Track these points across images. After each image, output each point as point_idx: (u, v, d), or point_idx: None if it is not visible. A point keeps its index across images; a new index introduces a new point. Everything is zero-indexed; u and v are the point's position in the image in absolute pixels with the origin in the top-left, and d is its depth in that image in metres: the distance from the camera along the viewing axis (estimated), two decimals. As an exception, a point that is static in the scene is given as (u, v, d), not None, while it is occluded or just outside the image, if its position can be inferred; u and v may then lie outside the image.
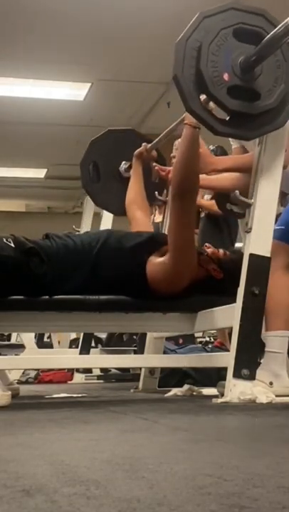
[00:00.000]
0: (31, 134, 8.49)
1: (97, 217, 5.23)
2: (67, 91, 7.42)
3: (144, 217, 3.00)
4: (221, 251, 2.72)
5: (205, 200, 4.80)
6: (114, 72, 6.83)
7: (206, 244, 2.80)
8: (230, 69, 2.05)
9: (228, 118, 2.13)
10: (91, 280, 2.54)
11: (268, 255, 2.24)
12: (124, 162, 3.33)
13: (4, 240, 2.48)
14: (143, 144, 3.14)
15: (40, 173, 10.47)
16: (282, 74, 2.12)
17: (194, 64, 2.04)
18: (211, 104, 2.13)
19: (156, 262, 2.54)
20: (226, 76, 2.04)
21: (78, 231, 5.78)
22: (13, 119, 7.94)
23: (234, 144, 2.97)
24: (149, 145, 3.12)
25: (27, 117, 7.92)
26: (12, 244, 2.48)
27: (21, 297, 2.51)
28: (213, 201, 4.52)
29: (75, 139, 8.73)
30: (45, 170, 10.33)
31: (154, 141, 3.12)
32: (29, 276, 2.47)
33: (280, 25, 1.97)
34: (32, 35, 6.03)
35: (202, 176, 2.76)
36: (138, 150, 3.13)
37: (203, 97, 2.09)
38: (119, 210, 3.26)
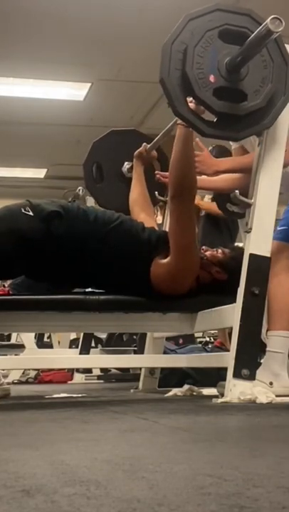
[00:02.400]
0: (31, 134, 8.49)
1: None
2: (67, 91, 7.42)
3: (148, 218, 3.00)
4: (220, 250, 2.71)
5: (205, 201, 4.81)
6: (114, 72, 6.83)
7: (203, 247, 2.79)
8: (216, 70, 2.04)
9: (215, 120, 2.12)
10: (96, 257, 2.52)
11: (268, 255, 2.24)
12: (126, 163, 3.33)
13: (22, 210, 2.47)
14: (143, 144, 3.14)
15: (40, 173, 10.46)
16: (269, 74, 2.11)
17: (180, 67, 2.03)
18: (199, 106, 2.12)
19: (160, 263, 2.53)
20: (211, 78, 2.03)
21: None
22: (13, 119, 7.94)
23: (234, 144, 2.97)
24: (149, 145, 3.12)
25: (27, 117, 7.92)
26: (31, 213, 2.47)
27: (21, 297, 2.51)
28: (213, 202, 4.53)
29: (75, 139, 8.73)
30: (45, 170, 10.33)
31: (153, 142, 3.12)
32: (49, 240, 2.44)
33: (262, 25, 1.95)
34: (32, 36, 6.03)
35: (202, 177, 2.76)
36: (138, 150, 3.13)
37: (191, 99, 2.09)
38: (123, 211, 3.26)
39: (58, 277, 2.59)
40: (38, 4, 5.49)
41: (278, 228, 2.46)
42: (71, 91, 7.42)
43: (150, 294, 2.55)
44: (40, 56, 6.43)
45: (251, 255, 2.22)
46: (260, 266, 2.23)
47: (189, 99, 2.09)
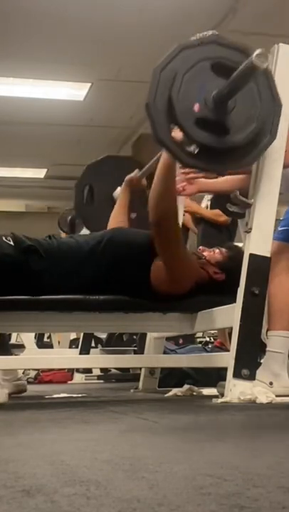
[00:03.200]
0: (31, 134, 8.49)
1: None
2: (67, 91, 7.42)
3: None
4: (217, 250, 2.71)
5: (203, 206, 4.81)
6: (114, 72, 6.84)
7: (200, 247, 2.79)
8: (202, 100, 2.00)
9: (196, 151, 2.06)
10: (93, 279, 2.54)
11: (268, 255, 2.24)
12: (118, 188, 3.29)
13: (3, 239, 2.50)
14: (135, 170, 3.12)
15: (40, 173, 10.46)
16: (256, 113, 2.06)
17: (167, 94, 1.99)
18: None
19: (159, 265, 2.53)
20: (196, 107, 1.99)
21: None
22: (13, 119, 7.94)
23: None
24: (140, 173, 3.10)
25: (27, 117, 7.92)
26: (11, 243, 2.49)
27: (21, 297, 2.51)
28: (215, 211, 4.54)
29: (75, 139, 8.74)
30: (45, 170, 10.33)
31: (143, 169, 3.07)
32: (28, 274, 2.47)
33: (246, 60, 1.90)
34: (32, 36, 6.03)
35: (202, 181, 2.76)
36: (129, 176, 3.09)
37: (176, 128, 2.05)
38: None
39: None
40: (38, 4, 5.49)
41: (279, 229, 2.46)
42: (71, 91, 7.42)
43: (151, 295, 2.55)
44: (40, 56, 6.43)
45: (251, 255, 2.22)
46: (260, 266, 2.23)
47: (174, 128, 2.05)
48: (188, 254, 2.64)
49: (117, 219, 3.01)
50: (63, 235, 6.11)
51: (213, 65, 2.03)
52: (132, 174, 3.09)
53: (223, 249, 2.72)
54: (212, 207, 4.71)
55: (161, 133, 1.99)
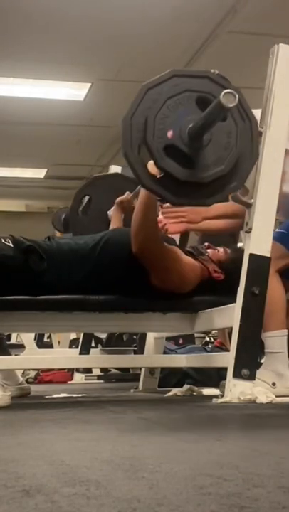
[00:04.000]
0: (31, 134, 8.49)
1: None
2: (67, 91, 7.42)
3: None
4: (221, 250, 2.72)
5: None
6: (114, 72, 6.83)
7: (205, 243, 2.79)
8: (177, 129, 1.96)
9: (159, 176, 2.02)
10: (92, 278, 2.54)
11: (268, 255, 2.24)
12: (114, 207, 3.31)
13: (2, 241, 2.50)
14: (126, 192, 3.12)
15: (40, 173, 10.46)
16: (227, 157, 2.01)
17: (146, 114, 1.96)
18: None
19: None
20: (170, 133, 1.95)
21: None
22: (13, 119, 7.93)
23: None
24: (130, 195, 3.08)
25: (27, 117, 7.92)
26: (11, 244, 2.49)
27: (21, 297, 2.51)
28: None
29: (75, 139, 8.73)
30: (45, 170, 10.33)
31: (134, 192, 3.04)
32: (29, 274, 2.48)
33: (214, 101, 1.85)
34: (32, 35, 6.03)
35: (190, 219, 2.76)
36: (120, 198, 3.10)
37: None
38: None
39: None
40: (38, 4, 5.49)
41: (277, 230, 2.46)
42: (71, 91, 7.42)
43: (151, 294, 2.56)
44: (40, 56, 6.42)
45: (251, 255, 2.23)
46: (260, 266, 2.23)
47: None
48: (183, 262, 2.61)
49: None
50: (58, 234, 6.12)
51: (199, 98, 1.99)
52: (123, 196, 3.10)
53: (228, 250, 2.73)
54: None
55: (129, 150, 1.96)
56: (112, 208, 3.29)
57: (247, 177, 2.10)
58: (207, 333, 6.09)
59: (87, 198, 3.45)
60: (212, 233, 3.33)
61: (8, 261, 2.45)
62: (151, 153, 1.96)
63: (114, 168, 5.40)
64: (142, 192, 2.38)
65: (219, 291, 2.56)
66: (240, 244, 3.83)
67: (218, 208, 2.70)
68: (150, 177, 1.99)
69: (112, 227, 3.09)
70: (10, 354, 3.48)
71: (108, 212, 3.34)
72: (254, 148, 2.07)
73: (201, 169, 1.99)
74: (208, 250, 2.71)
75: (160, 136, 1.96)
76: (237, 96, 1.80)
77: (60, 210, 6.39)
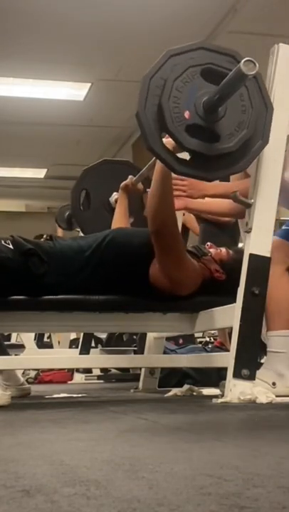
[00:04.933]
0: (31, 134, 8.49)
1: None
2: (67, 91, 7.42)
3: None
4: (224, 250, 2.72)
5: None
6: (114, 72, 6.84)
7: (208, 243, 2.79)
8: (192, 107, 1.99)
9: (188, 158, 2.06)
10: (94, 280, 2.54)
11: (268, 255, 2.24)
12: (115, 193, 3.29)
13: (2, 242, 2.50)
14: (129, 176, 3.11)
15: (40, 173, 10.47)
16: (247, 119, 2.06)
17: (157, 102, 1.98)
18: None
19: (157, 267, 2.53)
20: (186, 114, 1.98)
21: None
22: (13, 119, 7.94)
23: None
24: (134, 178, 3.09)
25: (27, 117, 7.92)
26: (11, 246, 2.49)
27: (21, 297, 2.51)
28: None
29: (75, 139, 8.74)
30: (45, 170, 10.34)
31: (138, 174, 3.07)
32: (29, 276, 2.47)
33: (235, 68, 1.89)
34: (32, 35, 6.03)
35: (200, 201, 2.75)
36: (124, 182, 3.10)
37: (166, 136, 2.05)
38: None
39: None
40: (38, 4, 5.49)
41: (283, 227, 2.48)
42: (71, 91, 7.42)
43: (152, 294, 2.56)
44: (40, 56, 6.43)
45: (251, 255, 2.22)
46: (260, 266, 2.23)
47: (165, 136, 2.05)
48: (189, 261, 2.61)
49: (119, 226, 3.03)
50: (60, 230, 6.13)
51: (203, 70, 2.02)
52: (127, 180, 3.10)
53: (231, 251, 2.73)
54: None
55: (153, 142, 1.98)
56: (114, 195, 3.29)
57: (269, 131, 2.12)
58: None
59: (84, 192, 3.44)
60: (213, 215, 3.31)
61: (7, 263, 2.45)
62: (175, 138, 1.98)
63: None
64: (158, 170, 2.35)
65: (220, 291, 2.56)
66: (240, 245, 3.83)
67: (219, 186, 2.71)
68: (180, 161, 2.02)
69: (117, 214, 3.10)
70: (9, 354, 3.48)
71: (110, 199, 3.34)
72: (265, 100, 2.10)
73: (226, 139, 2.02)
74: (211, 250, 2.70)
75: (179, 119, 1.98)
76: (257, 64, 1.82)
77: (63, 207, 6.40)
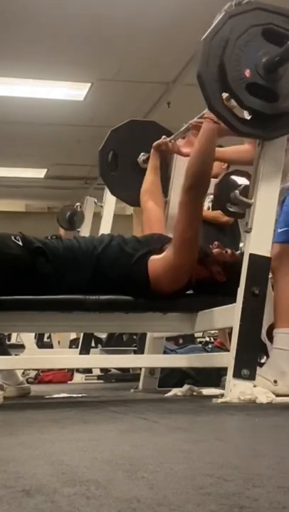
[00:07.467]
0: (31, 134, 8.49)
1: (97, 218, 5.24)
2: (67, 91, 7.42)
3: (155, 208, 3.02)
4: (229, 251, 2.71)
5: (205, 208, 4.80)
6: (114, 72, 6.83)
7: (215, 242, 2.77)
8: (253, 66, 2.04)
9: (249, 117, 2.13)
10: (93, 281, 2.55)
11: (268, 255, 2.24)
12: (142, 153, 3.31)
13: (13, 238, 2.50)
14: (163, 136, 3.13)
15: (40, 173, 10.46)
16: None
17: (218, 62, 2.03)
18: (233, 103, 2.12)
19: (157, 258, 2.55)
20: (247, 73, 2.03)
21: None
22: (13, 119, 7.94)
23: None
24: (168, 138, 3.11)
25: (27, 117, 7.92)
26: (20, 243, 2.49)
27: (21, 297, 2.51)
28: (216, 212, 4.53)
29: (75, 139, 8.73)
30: (45, 170, 10.33)
31: (173, 135, 3.10)
32: (35, 275, 2.48)
33: None
34: (32, 36, 6.03)
35: (218, 149, 2.78)
36: (157, 142, 3.11)
37: (225, 95, 2.09)
38: (136, 201, 3.25)
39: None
40: (38, 4, 5.49)
41: (279, 230, 2.46)
42: (71, 91, 7.42)
43: (150, 293, 2.56)
44: (40, 56, 6.43)
45: (251, 255, 2.22)
46: (260, 266, 2.23)
47: (225, 95, 2.09)
48: (198, 240, 2.61)
49: (150, 189, 3.08)
50: (62, 231, 6.14)
51: (264, 30, 2.07)
52: (160, 140, 3.11)
53: (236, 253, 2.73)
54: (213, 208, 4.69)
55: (215, 102, 2.04)
56: (141, 155, 3.29)
57: None
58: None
59: (111, 153, 3.42)
60: (231, 163, 3.34)
61: (15, 259, 2.46)
62: (236, 96, 2.03)
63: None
64: (206, 128, 2.37)
65: (221, 292, 2.56)
66: (241, 245, 3.83)
67: (231, 152, 2.75)
68: (241, 120, 2.08)
69: (148, 174, 3.13)
70: (10, 354, 3.48)
71: (138, 160, 3.34)
72: None
73: (285, 98, 2.08)
74: (215, 250, 2.70)
75: (240, 77, 2.02)
76: None
77: (65, 207, 6.43)
